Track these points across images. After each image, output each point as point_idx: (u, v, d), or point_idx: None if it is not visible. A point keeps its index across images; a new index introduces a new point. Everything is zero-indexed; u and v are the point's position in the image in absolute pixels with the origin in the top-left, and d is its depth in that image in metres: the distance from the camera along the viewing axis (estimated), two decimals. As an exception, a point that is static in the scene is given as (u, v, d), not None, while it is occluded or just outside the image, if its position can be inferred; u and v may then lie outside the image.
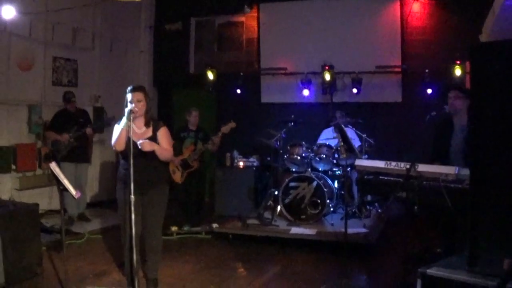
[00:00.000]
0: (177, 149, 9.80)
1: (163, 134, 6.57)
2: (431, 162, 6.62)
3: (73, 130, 10.10)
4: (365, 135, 10.52)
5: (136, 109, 6.21)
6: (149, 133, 6.50)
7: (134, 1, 13.22)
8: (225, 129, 10.04)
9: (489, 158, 4.61)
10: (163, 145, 6.52)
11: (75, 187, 6.40)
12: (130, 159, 5.77)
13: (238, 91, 13.40)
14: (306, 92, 12.88)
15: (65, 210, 9.68)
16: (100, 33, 12.94)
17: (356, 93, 12.46)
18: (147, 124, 6.52)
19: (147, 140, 6.25)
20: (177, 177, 10.05)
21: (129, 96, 6.32)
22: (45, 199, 10.91)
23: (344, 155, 8.05)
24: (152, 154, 6.33)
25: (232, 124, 10.04)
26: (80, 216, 10.64)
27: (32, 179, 10.97)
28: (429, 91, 11.73)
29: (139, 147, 6.13)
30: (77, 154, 10.31)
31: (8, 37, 10.42)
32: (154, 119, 6.64)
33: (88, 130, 10.24)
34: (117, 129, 6.29)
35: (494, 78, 4.61)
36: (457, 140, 7.03)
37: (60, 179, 6.20)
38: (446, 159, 6.97)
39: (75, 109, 10.48)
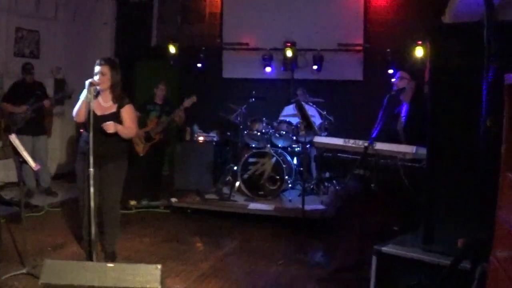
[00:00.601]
0: (142, 122, 9.81)
1: (127, 111, 6.51)
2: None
3: (30, 102, 9.92)
4: (325, 112, 10.58)
5: (97, 81, 6.16)
6: (113, 108, 6.46)
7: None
8: (187, 103, 10.00)
9: (445, 139, 4.67)
10: (126, 123, 6.47)
11: (34, 160, 6.34)
12: (90, 132, 5.75)
13: (200, 65, 13.33)
14: (268, 69, 12.88)
15: (24, 182, 9.58)
16: (63, 3, 12.72)
17: (318, 71, 12.49)
18: (114, 99, 6.46)
19: (111, 122, 6.21)
20: (140, 149, 10.01)
21: (95, 68, 6.29)
22: (3, 171, 10.74)
23: (303, 132, 8.11)
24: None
25: (193, 98, 10.01)
26: (47, 191, 10.44)
27: (-9, 151, 10.80)
28: (390, 71, 11.79)
29: (103, 128, 6.10)
30: (33, 127, 10.06)
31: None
32: (121, 96, 6.55)
33: (46, 103, 10.06)
34: (79, 100, 6.25)
35: (452, 59, 4.66)
36: (402, 117, 7.16)
37: (20, 151, 6.14)
38: (395, 135, 7.10)
39: (32, 81, 10.29)
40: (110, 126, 6.16)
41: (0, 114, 10.57)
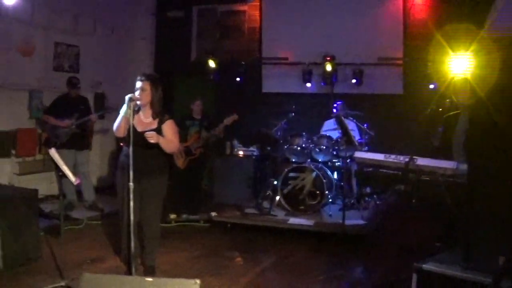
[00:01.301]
0: (182, 136, 9.84)
1: (168, 126, 6.54)
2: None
3: (74, 116, 10.01)
4: (365, 127, 10.52)
5: (137, 97, 6.21)
6: (154, 124, 6.48)
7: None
8: (228, 121, 9.97)
9: (486, 155, 4.61)
10: (168, 137, 6.49)
11: (75, 174, 6.40)
12: (130, 147, 5.79)
13: (239, 80, 13.38)
14: (308, 84, 12.87)
15: (65, 195, 9.68)
16: (101, 19, 12.88)
17: (357, 85, 12.45)
18: (154, 115, 6.50)
19: (154, 132, 6.25)
20: (180, 162, 10.04)
21: (137, 84, 6.34)
22: (45, 184, 10.85)
23: (344, 147, 8.08)
24: (153, 143, 6.32)
25: (235, 117, 9.99)
26: (92, 206, 10.40)
27: (31, 164, 10.93)
28: (431, 86, 11.67)
29: (146, 137, 6.14)
30: (76, 141, 10.13)
31: (10, 22, 10.32)
32: (161, 112, 6.58)
33: (93, 117, 10.16)
34: (119, 115, 6.30)
35: (494, 72, 4.61)
36: (460, 131, 7.07)
37: (59, 165, 6.21)
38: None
39: (77, 96, 10.37)
40: (153, 136, 6.19)
41: (42, 127, 10.72)
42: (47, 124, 10.09)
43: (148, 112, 6.50)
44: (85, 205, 10.39)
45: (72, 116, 9.95)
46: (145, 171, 6.31)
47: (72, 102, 10.19)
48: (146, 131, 6.32)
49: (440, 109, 8.74)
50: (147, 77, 6.44)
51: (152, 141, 6.18)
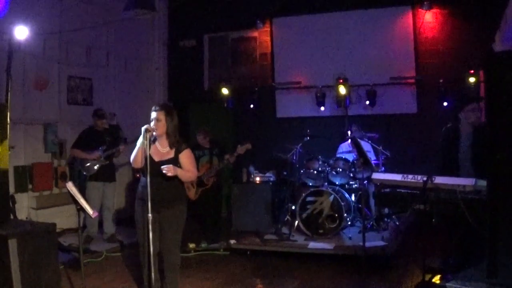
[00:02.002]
0: None
1: (186, 156, 6.57)
2: (442, 172, 6.63)
3: (102, 148, 10.08)
4: (381, 147, 10.50)
5: (153, 128, 6.23)
6: (171, 154, 6.51)
7: (146, 18, 13.32)
8: (241, 149, 9.94)
9: (506, 169, 4.58)
10: (186, 167, 6.51)
11: (96, 206, 6.41)
12: (147, 178, 5.80)
13: (253, 106, 13.45)
14: (322, 108, 12.91)
15: (84, 227, 9.70)
16: (114, 50, 13.02)
17: (371, 105, 12.44)
18: (171, 145, 6.52)
19: (171, 166, 6.26)
20: (191, 194, 9.98)
21: (152, 115, 6.37)
22: (63, 218, 10.85)
23: (361, 169, 8.06)
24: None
25: (248, 146, 9.96)
26: (110, 238, 10.40)
27: (49, 198, 10.99)
28: (445, 104, 11.66)
29: (163, 171, 6.15)
30: (104, 173, 10.21)
31: (23, 57, 10.39)
32: (179, 141, 6.60)
33: (122, 147, 10.19)
34: (136, 146, 6.33)
35: (508, 87, 4.59)
36: (464, 148, 7.05)
37: (77, 199, 6.22)
38: (456, 167, 7.00)
39: (103, 127, 10.38)
40: (170, 169, 6.21)
41: (67, 160, 10.77)
42: (76, 158, 10.15)
43: (165, 142, 6.52)
44: (103, 238, 10.39)
45: (99, 148, 10.01)
46: (164, 201, 6.33)
47: (99, 134, 10.28)
48: (164, 161, 6.35)
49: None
50: (162, 107, 6.47)
51: (169, 174, 6.20)
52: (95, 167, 10.02)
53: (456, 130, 7.28)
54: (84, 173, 9.98)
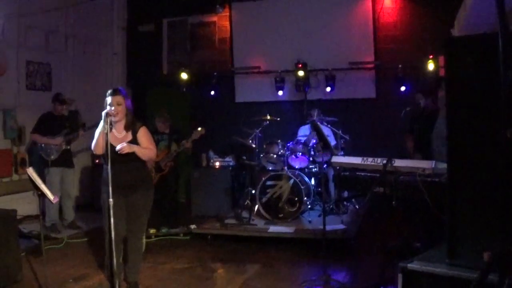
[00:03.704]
0: None
1: (143, 134, 6.53)
2: (412, 153, 6.72)
3: (63, 133, 9.98)
4: (340, 132, 10.56)
5: (114, 112, 6.17)
6: (129, 137, 6.46)
7: (105, 1, 13.20)
8: (195, 135, 9.91)
9: (465, 152, 4.64)
10: (144, 144, 6.49)
11: (56, 192, 6.35)
12: (108, 163, 5.75)
13: (213, 93, 13.41)
14: (280, 93, 12.93)
15: (44, 215, 9.59)
16: (73, 35, 12.83)
17: (330, 91, 12.50)
18: (126, 128, 6.48)
19: (125, 144, 6.22)
20: (149, 179, 10.06)
21: (108, 99, 6.29)
22: (23, 205, 10.71)
23: (320, 152, 8.10)
24: (133, 156, 6.31)
25: (202, 131, 9.91)
26: (71, 225, 10.31)
27: (8, 184, 10.83)
28: (403, 88, 11.79)
29: (118, 151, 6.12)
30: (64, 159, 10.14)
31: (-20, 41, 10.27)
32: (133, 122, 6.56)
33: (81, 133, 10.13)
34: (96, 133, 6.27)
35: (468, 71, 4.64)
36: (439, 128, 7.14)
37: (38, 184, 6.16)
38: (428, 148, 7.11)
39: (61, 113, 10.27)
40: (124, 148, 6.18)
41: (28, 146, 10.64)
42: (37, 143, 10.02)
43: (120, 126, 6.47)
44: (64, 224, 10.29)
45: (60, 133, 9.92)
46: (131, 186, 6.31)
47: (58, 119, 10.18)
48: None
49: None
50: (119, 91, 6.41)
51: (125, 151, 6.17)
52: (57, 152, 9.92)
53: (433, 113, 7.40)
54: (46, 158, 9.87)
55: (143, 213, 6.60)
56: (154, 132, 10.05)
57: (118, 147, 6.15)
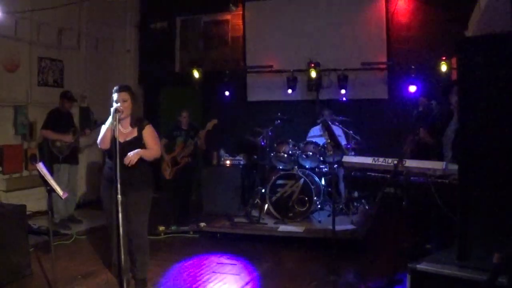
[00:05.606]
0: (169, 148, 10.31)
1: (148, 133, 6.54)
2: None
3: (71, 130, 10.03)
4: (351, 132, 10.52)
5: (122, 108, 6.18)
6: (134, 133, 6.48)
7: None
8: (209, 125, 10.20)
9: (477, 153, 4.60)
10: (149, 145, 6.50)
11: (65, 188, 6.35)
12: (116, 160, 5.74)
13: (226, 93, 13.39)
14: (289, 91, 12.88)
15: (52, 211, 9.59)
16: (85, 32, 12.86)
17: (344, 92, 12.45)
18: (132, 124, 6.49)
19: (132, 154, 6.23)
20: (166, 173, 10.25)
21: (115, 96, 6.31)
22: (33, 201, 10.72)
23: (331, 152, 8.07)
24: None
25: (214, 121, 10.17)
26: (70, 218, 10.35)
27: (19, 180, 10.85)
28: (413, 88, 11.72)
29: (126, 162, 6.13)
30: (71, 156, 10.20)
31: (-7, 37, 10.29)
32: (139, 119, 6.60)
33: (88, 131, 10.19)
34: (103, 128, 6.28)
35: (480, 71, 4.60)
36: (449, 131, 7.10)
37: (47, 180, 6.15)
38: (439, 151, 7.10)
39: (67, 110, 10.34)
40: (132, 158, 6.21)
41: (40, 141, 10.67)
42: (47, 139, 10.03)
43: (127, 122, 6.50)
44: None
45: (68, 130, 9.95)
46: (129, 183, 6.26)
47: (66, 115, 10.24)
48: (127, 141, 6.38)
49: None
50: (125, 88, 6.47)
51: (134, 161, 6.22)
52: (68, 149, 9.96)
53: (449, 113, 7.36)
54: (58, 155, 9.88)
55: (143, 211, 6.61)
56: (175, 128, 10.39)
57: (126, 161, 6.16)
